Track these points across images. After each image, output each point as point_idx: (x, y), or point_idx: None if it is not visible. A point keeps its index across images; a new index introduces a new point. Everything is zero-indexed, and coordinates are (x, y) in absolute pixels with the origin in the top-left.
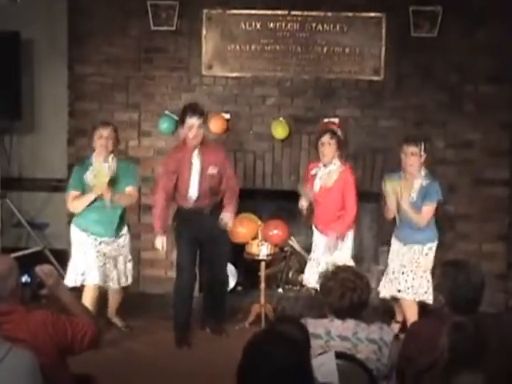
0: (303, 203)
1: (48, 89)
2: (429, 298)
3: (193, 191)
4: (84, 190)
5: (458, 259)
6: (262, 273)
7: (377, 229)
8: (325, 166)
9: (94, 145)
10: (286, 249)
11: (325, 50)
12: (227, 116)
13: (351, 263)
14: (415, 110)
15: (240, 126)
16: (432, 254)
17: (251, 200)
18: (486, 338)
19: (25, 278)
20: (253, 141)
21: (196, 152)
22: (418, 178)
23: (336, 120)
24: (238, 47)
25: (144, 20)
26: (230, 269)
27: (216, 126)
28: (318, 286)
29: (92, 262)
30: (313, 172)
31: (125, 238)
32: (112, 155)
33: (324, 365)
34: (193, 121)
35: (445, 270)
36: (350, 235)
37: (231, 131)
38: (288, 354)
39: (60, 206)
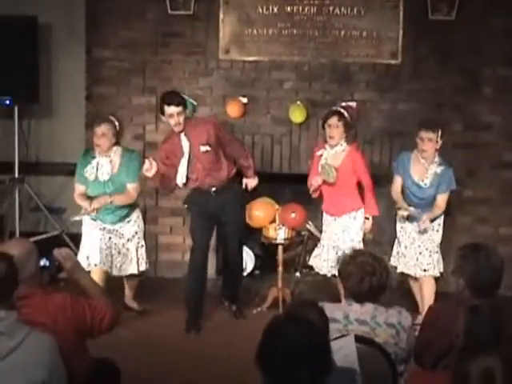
0: (313, 183)
1: (65, 73)
2: (436, 272)
3: (180, 176)
4: (86, 183)
5: (477, 242)
6: (280, 257)
7: (393, 213)
8: (331, 147)
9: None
10: (303, 233)
11: (342, 33)
12: (245, 100)
13: (360, 245)
14: (433, 93)
15: (257, 110)
16: (441, 229)
17: (268, 184)
18: (502, 322)
19: (43, 262)
20: (270, 125)
21: (183, 135)
22: (433, 165)
23: (354, 104)
24: (255, 31)
25: (161, 4)
26: (248, 252)
27: (233, 110)
28: (327, 272)
29: (94, 243)
30: (318, 153)
31: (134, 224)
32: (115, 148)
33: (343, 348)
34: (170, 110)
35: (464, 253)
36: (358, 216)
37: (248, 115)
38: (307, 336)
39: None
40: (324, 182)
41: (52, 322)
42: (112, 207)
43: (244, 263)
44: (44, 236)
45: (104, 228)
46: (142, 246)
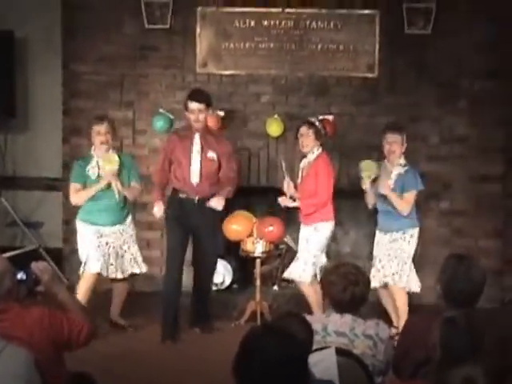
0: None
1: (42, 87)
2: (414, 287)
3: (195, 174)
4: (85, 183)
5: (463, 253)
6: (258, 270)
7: (372, 227)
8: (305, 156)
9: (93, 141)
10: (281, 246)
11: (319, 47)
12: (222, 114)
13: (321, 258)
14: (410, 106)
15: (235, 123)
16: (414, 241)
17: (246, 197)
18: (479, 334)
19: (20, 275)
20: (248, 138)
21: (197, 136)
22: (397, 166)
23: (330, 117)
24: (232, 45)
25: (138, 18)
26: (226, 266)
27: (210, 123)
28: (295, 279)
29: (93, 250)
30: (301, 165)
31: (129, 226)
32: (111, 151)
33: (324, 361)
34: (193, 105)
35: (447, 262)
36: (320, 227)
37: (226, 129)
38: (284, 348)
39: (55, 205)
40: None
41: (28, 335)
42: (110, 208)
43: (222, 277)
44: (21, 251)
45: (102, 234)
46: (137, 249)
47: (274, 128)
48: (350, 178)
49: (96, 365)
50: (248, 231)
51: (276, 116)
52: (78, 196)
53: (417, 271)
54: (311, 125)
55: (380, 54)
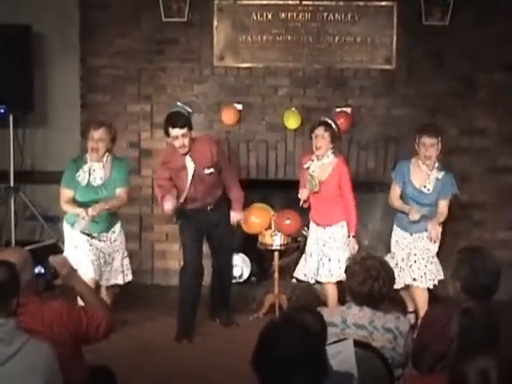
0: (304, 194)
1: (60, 82)
2: (439, 278)
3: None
4: (76, 188)
5: (475, 246)
6: (276, 263)
7: (389, 220)
8: (318, 158)
9: (87, 145)
10: (299, 239)
11: (336, 39)
12: (239, 107)
13: (346, 253)
14: (428, 98)
15: (252, 116)
16: (438, 239)
17: (264, 190)
18: (495, 325)
19: (38, 269)
20: (265, 131)
21: (188, 157)
22: (434, 170)
23: (348, 109)
24: (249, 38)
25: (155, 12)
26: (244, 259)
27: (228, 117)
28: (306, 280)
29: (84, 255)
30: (306, 165)
31: (118, 234)
32: (107, 155)
33: (341, 353)
34: (175, 132)
35: (461, 256)
36: (346, 224)
37: (243, 122)
38: (302, 341)
39: None
40: (311, 192)
41: (48, 329)
42: (99, 217)
43: (240, 270)
44: (40, 244)
45: (92, 238)
46: (126, 256)
47: (292, 121)
48: (367, 170)
49: (113, 357)
50: (266, 224)
51: (293, 109)
52: (65, 206)
53: None
54: (328, 126)
55: (397, 46)
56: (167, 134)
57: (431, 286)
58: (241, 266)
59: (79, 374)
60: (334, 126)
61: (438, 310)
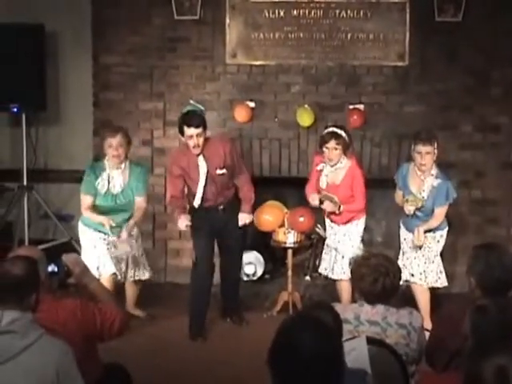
0: (311, 201)
1: (73, 80)
2: (442, 283)
3: (197, 198)
4: (96, 194)
5: (490, 242)
6: (289, 260)
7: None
8: (331, 165)
9: (106, 153)
10: (312, 236)
11: (349, 36)
12: (252, 104)
13: (360, 249)
14: (441, 94)
15: (265, 114)
16: (443, 240)
17: (277, 188)
18: (510, 322)
19: (51, 268)
20: (278, 129)
21: (201, 157)
22: (429, 178)
23: (361, 107)
24: (261, 35)
25: (167, 9)
26: (257, 257)
27: (241, 114)
28: (332, 275)
29: (103, 253)
30: (319, 167)
31: (133, 236)
32: (125, 161)
33: (355, 350)
34: (190, 131)
35: (476, 253)
36: (360, 223)
37: (256, 119)
38: (319, 338)
39: None
40: (321, 202)
41: (62, 327)
42: (115, 222)
43: (253, 267)
44: (53, 243)
45: (106, 239)
46: (143, 254)
47: (305, 118)
48: (380, 167)
49: (127, 355)
50: (279, 221)
51: (306, 106)
52: (86, 213)
53: (448, 261)
54: (338, 137)
55: (410, 43)
56: (182, 133)
57: (429, 285)
58: (254, 263)
59: (93, 372)
60: (343, 134)
61: (453, 305)
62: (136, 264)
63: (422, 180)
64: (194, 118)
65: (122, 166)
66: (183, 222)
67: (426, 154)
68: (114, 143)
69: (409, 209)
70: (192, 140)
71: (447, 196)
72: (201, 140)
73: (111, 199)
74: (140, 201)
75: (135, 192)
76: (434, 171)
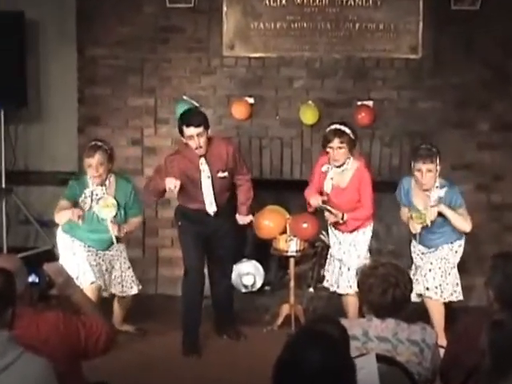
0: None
1: (56, 73)
2: (457, 297)
3: (210, 203)
4: (75, 205)
5: (509, 251)
6: (291, 271)
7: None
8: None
9: (86, 172)
10: (316, 244)
11: (357, 26)
12: (251, 100)
13: (367, 259)
14: (456, 89)
15: (265, 110)
16: (461, 251)
17: (278, 191)
18: None
19: (32, 278)
20: (279, 127)
21: (203, 158)
22: (434, 191)
23: (370, 103)
24: (261, 25)
25: None
26: (257, 267)
27: (239, 111)
28: (337, 289)
29: (83, 261)
30: (323, 169)
31: (117, 248)
32: (109, 176)
33: (364, 368)
34: (190, 131)
35: (494, 263)
36: (368, 230)
37: (255, 117)
38: (326, 353)
39: None
40: (324, 202)
41: (42, 343)
42: (98, 234)
43: (253, 278)
44: (34, 251)
45: (89, 246)
46: (129, 267)
47: (309, 115)
48: (391, 169)
49: (115, 373)
50: (280, 228)
51: (310, 102)
52: (58, 216)
53: (465, 270)
54: (343, 136)
55: (424, 34)
56: (181, 133)
57: (442, 300)
58: (253, 274)
59: None
60: (348, 131)
61: (469, 320)
62: (119, 277)
63: (428, 195)
64: (193, 117)
65: (107, 182)
66: (171, 181)
67: (427, 171)
68: (93, 163)
69: (415, 227)
70: (193, 141)
71: (458, 198)
72: (202, 140)
73: (96, 220)
74: (136, 221)
75: (130, 213)
76: (438, 183)
